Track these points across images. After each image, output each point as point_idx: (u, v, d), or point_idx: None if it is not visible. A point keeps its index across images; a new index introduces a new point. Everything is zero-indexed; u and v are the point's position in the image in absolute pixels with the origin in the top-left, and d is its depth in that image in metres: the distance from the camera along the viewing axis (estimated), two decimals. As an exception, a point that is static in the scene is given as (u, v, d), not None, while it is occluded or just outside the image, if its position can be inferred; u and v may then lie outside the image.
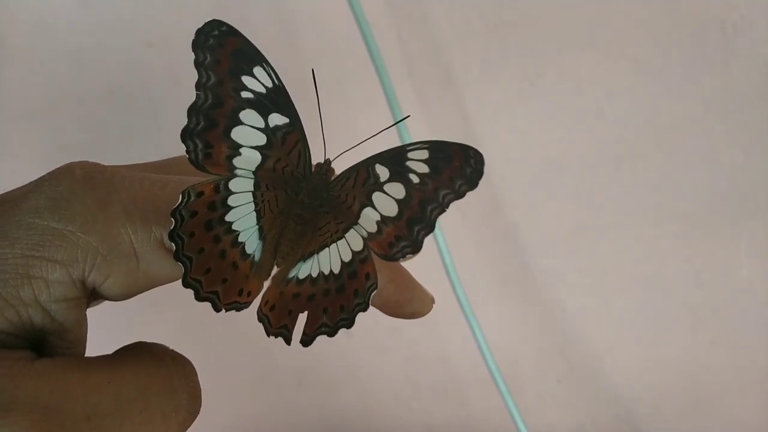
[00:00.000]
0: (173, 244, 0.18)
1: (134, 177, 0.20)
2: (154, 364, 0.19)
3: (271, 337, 0.20)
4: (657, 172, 0.40)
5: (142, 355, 0.19)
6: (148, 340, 0.20)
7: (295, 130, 0.20)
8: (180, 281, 0.19)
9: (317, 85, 0.21)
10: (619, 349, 0.44)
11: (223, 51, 0.19)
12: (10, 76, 0.39)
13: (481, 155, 0.19)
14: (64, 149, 0.40)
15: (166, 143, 0.39)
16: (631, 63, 0.38)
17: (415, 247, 0.19)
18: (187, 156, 0.19)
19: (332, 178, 0.21)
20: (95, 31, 0.39)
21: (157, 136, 0.40)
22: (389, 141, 0.21)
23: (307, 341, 0.20)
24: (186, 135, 0.19)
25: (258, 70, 0.19)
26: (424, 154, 0.19)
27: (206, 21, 0.19)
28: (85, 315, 0.19)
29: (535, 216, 0.41)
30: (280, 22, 0.38)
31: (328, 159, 0.21)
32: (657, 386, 0.45)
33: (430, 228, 0.19)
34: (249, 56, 0.19)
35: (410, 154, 0.19)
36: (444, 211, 0.19)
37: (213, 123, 0.19)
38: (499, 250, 0.42)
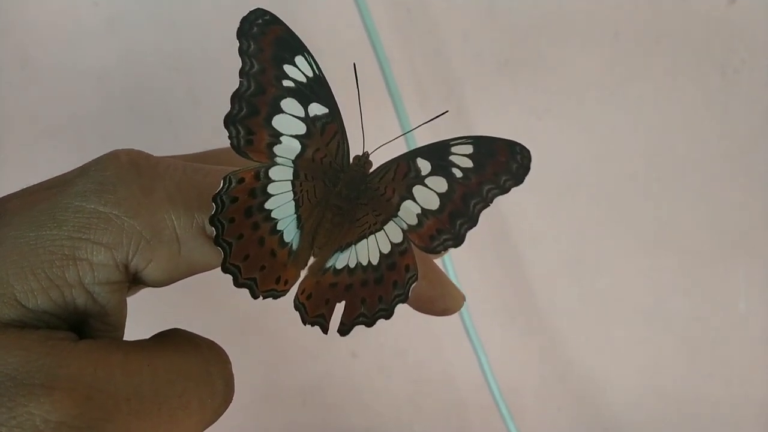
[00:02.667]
0: (213, 229, 0.19)
1: (178, 165, 0.20)
2: (192, 350, 0.19)
3: (307, 325, 0.20)
4: (658, 208, 0.42)
5: (179, 340, 0.19)
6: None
7: (334, 121, 0.20)
8: (219, 269, 0.19)
9: (357, 79, 0.21)
10: (618, 378, 0.45)
11: (266, 39, 0.19)
12: (35, 95, 0.41)
13: (528, 151, 0.19)
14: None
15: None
16: (634, 102, 0.40)
17: (458, 241, 0.19)
18: (229, 142, 0.19)
19: (370, 171, 0.21)
20: (120, 54, 0.40)
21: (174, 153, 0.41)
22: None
23: (345, 330, 0.20)
24: (229, 121, 0.19)
25: (299, 60, 0.19)
26: (468, 148, 0.19)
27: (251, 9, 0.19)
28: (126, 300, 0.19)
29: (540, 245, 0.42)
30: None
31: (367, 152, 0.21)
32: (655, 416, 0.45)
33: (474, 222, 0.19)
34: (291, 45, 0.19)
35: (454, 149, 0.19)
36: (488, 205, 0.19)
37: (255, 110, 0.19)
38: (504, 278, 0.43)
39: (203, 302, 0.38)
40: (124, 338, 0.20)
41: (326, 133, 0.20)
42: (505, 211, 0.42)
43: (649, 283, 0.43)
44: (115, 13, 0.40)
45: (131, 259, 0.18)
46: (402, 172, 0.20)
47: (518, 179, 0.19)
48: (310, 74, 0.20)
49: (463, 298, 0.22)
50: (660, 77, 0.39)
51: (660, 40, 0.39)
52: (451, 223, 0.19)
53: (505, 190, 0.19)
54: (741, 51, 0.39)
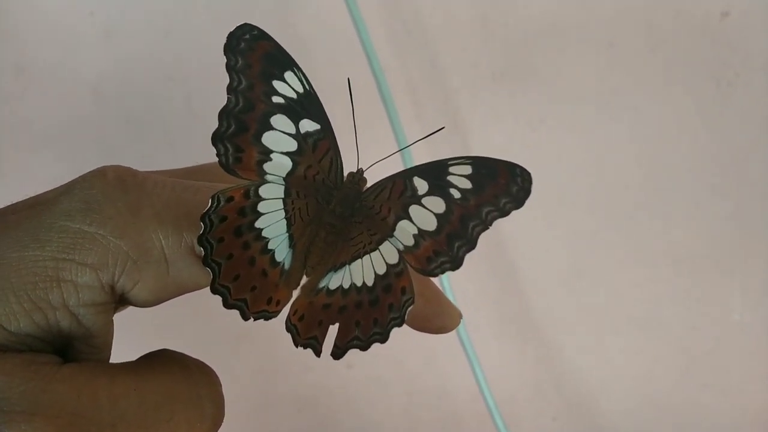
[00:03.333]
0: (202, 249, 0.18)
1: (166, 182, 0.19)
2: (181, 372, 0.19)
3: (299, 347, 0.19)
4: (654, 218, 0.42)
5: (167, 362, 0.19)
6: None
7: (326, 137, 0.20)
8: (208, 289, 0.18)
9: (352, 94, 0.21)
10: (613, 388, 0.45)
11: (254, 55, 0.19)
12: (32, 103, 0.41)
13: (528, 174, 0.18)
14: (78, 173, 0.41)
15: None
16: (628, 113, 0.40)
17: (455, 264, 0.19)
18: (218, 160, 0.19)
19: (364, 188, 0.20)
20: (116, 63, 0.40)
21: (172, 166, 0.41)
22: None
23: (338, 354, 0.19)
24: (217, 138, 0.19)
25: (289, 75, 0.19)
26: (466, 169, 0.18)
27: (238, 24, 0.19)
28: (112, 321, 0.19)
29: (536, 256, 0.42)
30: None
31: (361, 168, 0.20)
32: (650, 426, 0.45)
33: (472, 245, 0.19)
34: (280, 60, 0.19)
35: (452, 169, 0.19)
36: (487, 228, 0.19)
37: (244, 127, 0.19)
38: (500, 289, 0.43)
39: (197, 311, 0.38)
40: (112, 358, 0.19)
41: (318, 150, 0.20)
42: (499, 221, 0.42)
43: (644, 293, 0.43)
44: (111, 23, 0.40)
45: (117, 279, 0.18)
46: (398, 191, 0.19)
47: (519, 202, 0.18)
48: (301, 90, 0.19)
49: (460, 316, 0.22)
50: (654, 88, 0.40)
51: (654, 52, 0.39)
52: (449, 245, 0.19)
53: (504, 213, 0.18)
54: (735, 64, 0.39)
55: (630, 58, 0.39)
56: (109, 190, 0.18)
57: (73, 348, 0.18)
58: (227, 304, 0.19)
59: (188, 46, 0.40)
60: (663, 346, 0.44)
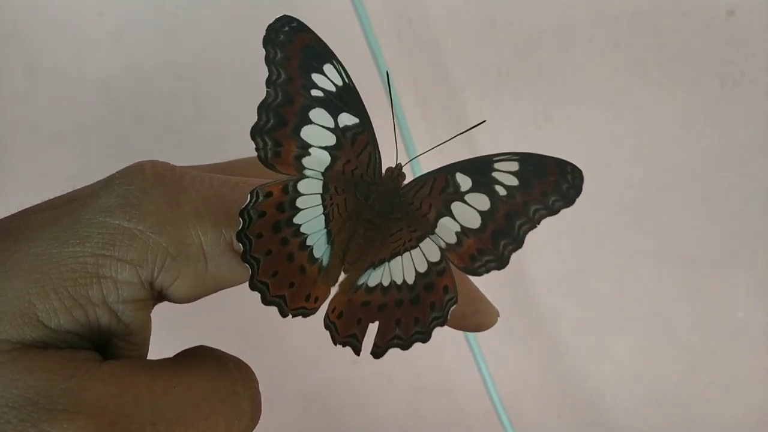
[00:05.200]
0: (241, 245, 0.18)
1: (204, 177, 0.19)
2: (219, 370, 0.18)
3: (338, 345, 0.19)
4: (659, 216, 0.42)
5: (206, 360, 0.19)
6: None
7: (365, 132, 0.19)
8: (246, 284, 0.18)
9: (391, 87, 0.20)
10: (618, 386, 0.45)
11: (293, 47, 0.18)
12: (40, 103, 0.41)
13: (580, 172, 0.17)
14: (89, 172, 0.42)
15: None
16: (633, 112, 0.40)
17: (501, 263, 0.18)
18: (256, 154, 0.19)
19: (403, 184, 0.20)
20: (125, 63, 0.41)
21: (180, 164, 0.42)
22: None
23: (378, 353, 0.19)
24: (256, 132, 0.18)
25: (328, 68, 0.19)
26: (512, 165, 0.18)
27: (277, 16, 0.18)
28: (150, 317, 0.19)
29: (541, 255, 0.43)
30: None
31: (400, 163, 0.20)
32: (655, 424, 0.45)
33: (519, 244, 0.18)
34: (319, 53, 0.18)
35: (497, 165, 0.18)
36: (535, 227, 0.18)
37: (283, 121, 0.19)
38: (505, 286, 0.43)
39: (204, 307, 0.39)
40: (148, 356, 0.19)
41: (357, 144, 0.19)
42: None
43: (649, 291, 0.43)
44: (121, 23, 0.40)
45: (157, 276, 0.18)
46: (439, 187, 0.19)
47: (569, 200, 0.18)
48: (340, 83, 0.19)
49: (497, 314, 0.21)
50: (660, 87, 0.40)
51: (660, 51, 0.40)
52: (494, 243, 0.18)
53: (554, 211, 0.18)
54: (740, 63, 0.39)
55: (635, 57, 0.39)
56: (148, 186, 0.18)
57: (112, 345, 0.18)
58: (266, 301, 0.18)
59: (196, 46, 0.41)
60: (668, 344, 0.44)
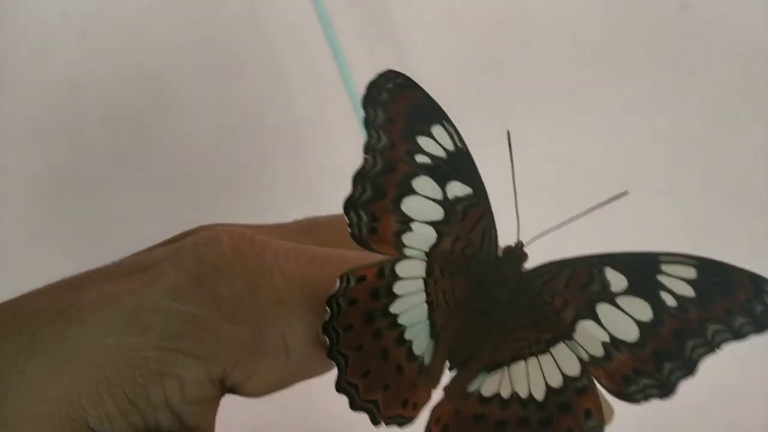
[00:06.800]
0: (327, 339, 0.15)
1: (288, 251, 0.16)
2: None
3: None
4: (620, 210, 0.43)
5: None
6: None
7: (479, 203, 0.16)
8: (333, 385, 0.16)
9: (511, 147, 0.17)
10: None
11: (397, 107, 0.16)
12: (6, 103, 0.41)
13: None
14: (56, 175, 0.42)
15: (154, 170, 0.41)
16: (595, 104, 0.41)
17: (665, 391, 0.15)
18: (349, 231, 0.16)
19: (526, 268, 0.17)
20: (89, 63, 0.41)
21: (147, 164, 0.41)
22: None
23: None
24: (350, 205, 0.16)
25: (437, 130, 0.16)
26: (689, 271, 0.15)
27: (380, 72, 0.16)
28: (215, 416, 0.16)
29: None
30: (267, 59, 0.41)
31: (521, 241, 0.17)
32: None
33: (689, 370, 0.15)
34: (428, 113, 0.16)
35: (666, 267, 0.15)
36: (713, 351, 0.15)
37: (381, 192, 0.16)
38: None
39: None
40: None
41: (468, 218, 0.16)
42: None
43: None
44: (84, 24, 0.40)
45: (229, 373, 0.15)
46: (580, 282, 0.16)
47: (761, 326, 0.14)
48: (451, 147, 0.16)
49: (613, 413, 0.17)
50: (617, 78, 0.41)
51: (618, 42, 0.40)
52: (657, 365, 0.15)
53: (740, 337, 0.15)
54: (695, 54, 0.40)
55: (593, 49, 0.40)
56: (225, 265, 0.16)
57: None
58: (355, 406, 0.16)
59: (160, 45, 0.41)
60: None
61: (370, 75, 0.41)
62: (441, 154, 0.16)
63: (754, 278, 0.14)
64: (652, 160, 0.42)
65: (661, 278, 0.15)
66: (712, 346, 0.15)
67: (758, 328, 0.14)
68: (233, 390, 0.16)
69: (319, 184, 0.39)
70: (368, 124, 0.16)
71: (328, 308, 0.15)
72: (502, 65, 0.40)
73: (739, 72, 0.40)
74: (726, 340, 0.15)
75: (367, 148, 0.16)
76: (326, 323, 0.15)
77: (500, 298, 0.16)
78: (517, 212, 0.17)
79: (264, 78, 0.40)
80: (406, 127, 0.16)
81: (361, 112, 0.16)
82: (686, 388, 0.15)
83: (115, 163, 0.42)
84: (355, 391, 0.16)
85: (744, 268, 0.15)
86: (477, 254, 0.16)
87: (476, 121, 0.41)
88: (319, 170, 0.39)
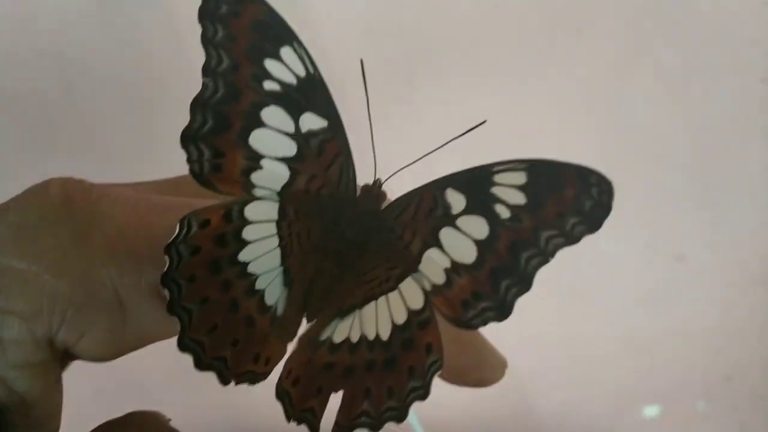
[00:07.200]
0: (167, 291, 0.14)
1: (127, 200, 0.15)
2: None
3: (291, 422, 0.15)
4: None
5: None
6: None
7: (335, 138, 0.15)
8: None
9: (366, 79, 0.15)
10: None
11: (240, 23, 0.14)
12: None
13: (609, 183, 0.13)
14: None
15: (58, 151, 0.37)
16: (539, 92, 0.39)
17: (502, 311, 0.14)
18: (188, 167, 0.14)
19: (384, 206, 0.16)
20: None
21: (48, 145, 0.38)
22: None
23: None
24: (188, 138, 0.14)
25: (287, 52, 0.14)
26: (519, 177, 0.14)
27: None
28: (58, 383, 0.15)
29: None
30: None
31: (379, 179, 0.16)
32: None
33: (526, 285, 0.14)
34: (275, 31, 0.14)
35: (498, 177, 0.14)
36: (547, 261, 0.14)
37: (225, 123, 0.14)
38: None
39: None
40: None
41: (325, 155, 0.15)
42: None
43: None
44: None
45: (57, 331, 0.14)
46: (426, 209, 0.15)
47: (593, 223, 0.13)
48: (302, 73, 0.14)
49: (505, 366, 0.17)
50: (565, 59, 0.39)
51: (567, 23, 0.39)
52: (493, 284, 0.14)
53: (572, 239, 0.14)
54: (646, 38, 0.38)
55: (541, 30, 0.39)
56: (50, 212, 0.14)
57: (8, 422, 0.14)
58: (201, 365, 0.14)
59: (63, 18, 0.37)
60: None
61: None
62: (291, 80, 0.14)
63: (580, 171, 0.14)
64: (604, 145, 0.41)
65: (495, 190, 0.14)
66: (545, 256, 0.14)
67: (589, 226, 0.14)
68: (69, 352, 0.15)
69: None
70: (206, 41, 0.14)
71: (166, 257, 0.14)
72: (456, 44, 0.38)
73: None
74: (559, 245, 0.14)
75: (206, 71, 0.14)
76: (165, 274, 0.14)
77: (356, 239, 0.15)
78: (373, 149, 0.16)
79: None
80: (250, 48, 0.14)
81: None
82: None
83: (16, 147, 0.37)
84: (201, 348, 0.14)
85: (571, 162, 0.14)
86: (334, 194, 0.15)
87: (395, 123, 0.39)
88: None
